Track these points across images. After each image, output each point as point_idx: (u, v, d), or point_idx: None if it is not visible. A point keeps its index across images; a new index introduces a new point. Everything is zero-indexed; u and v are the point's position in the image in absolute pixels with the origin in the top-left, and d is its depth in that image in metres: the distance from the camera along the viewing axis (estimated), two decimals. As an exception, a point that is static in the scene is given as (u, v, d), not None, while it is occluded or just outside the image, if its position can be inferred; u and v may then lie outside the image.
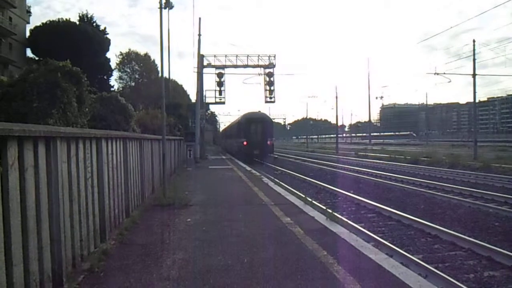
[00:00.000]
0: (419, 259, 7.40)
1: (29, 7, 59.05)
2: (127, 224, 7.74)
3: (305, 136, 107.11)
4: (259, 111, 39.63)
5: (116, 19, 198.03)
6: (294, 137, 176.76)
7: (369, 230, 9.50)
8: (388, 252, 7.31)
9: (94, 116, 15.67)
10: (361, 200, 13.68)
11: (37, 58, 47.21)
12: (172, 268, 5.32)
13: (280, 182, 16.78)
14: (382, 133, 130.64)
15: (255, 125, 36.49)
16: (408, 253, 7.78)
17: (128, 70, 74.42)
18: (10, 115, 11.80)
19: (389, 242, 8.48)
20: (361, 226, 9.84)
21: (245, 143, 35.11)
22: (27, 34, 54.06)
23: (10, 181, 3.44)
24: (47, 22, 52.36)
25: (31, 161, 3.90)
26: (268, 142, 35.36)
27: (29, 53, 54.19)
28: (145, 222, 8.38)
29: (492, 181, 18.43)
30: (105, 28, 59.11)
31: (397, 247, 8.12)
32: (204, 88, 37.81)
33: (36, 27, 52.96)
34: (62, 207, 4.52)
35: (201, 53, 35.15)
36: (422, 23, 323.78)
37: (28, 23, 56.92)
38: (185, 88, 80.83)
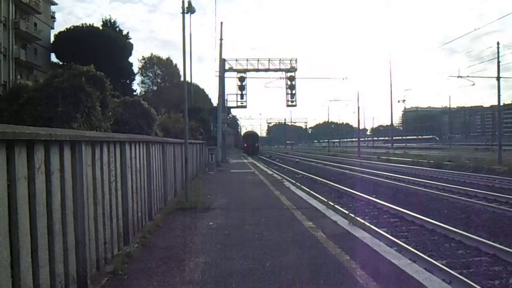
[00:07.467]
0: (443, 264, 7.29)
1: (54, 12, 59.65)
2: (150, 227, 7.80)
3: (326, 140, 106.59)
4: (252, 130, 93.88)
5: (136, 24, 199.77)
6: (315, 141, 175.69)
7: (392, 235, 9.41)
8: (411, 257, 7.25)
9: (117, 120, 15.91)
10: (384, 205, 13.53)
11: (61, 63, 47.86)
12: (194, 271, 5.35)
13: (302, 186, 16.70)
14: (404, 137, 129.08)
15: (250, 137, 76.95)
16: (432, 258, 7.66)
17: (151, 75, 75.07)
18: (35, 118, 12.05)
19: (412, 247, 8.38)
20: (383, 231, 9.74)
21: (246, 145, 72.51)
22: (52, 39, 54.74)
23: (37, 184, 3.50)
24: (71, 28, 52.85)
25: (57, 165, 3.96)
26: (256, 145, 72.97)
27: (53, 58, 54.70)
28: (167, 225, 8.44)
29: (518, 185, 18.03)
30: (127, 33, 59.44)
31: (420, 252, 8.01)
32: (226, 92, 38.15)
33: (60, 32, 53.46)
34: (86, 210, 4.58)
35: (222, 57, 35.30)
36: (442, 26, 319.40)
37: (53, 28, 57.50)
38: (207, 92, 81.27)
